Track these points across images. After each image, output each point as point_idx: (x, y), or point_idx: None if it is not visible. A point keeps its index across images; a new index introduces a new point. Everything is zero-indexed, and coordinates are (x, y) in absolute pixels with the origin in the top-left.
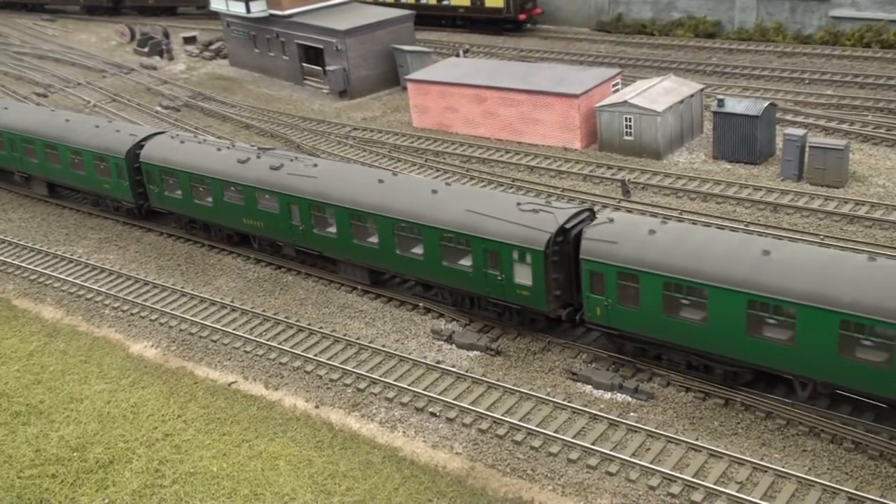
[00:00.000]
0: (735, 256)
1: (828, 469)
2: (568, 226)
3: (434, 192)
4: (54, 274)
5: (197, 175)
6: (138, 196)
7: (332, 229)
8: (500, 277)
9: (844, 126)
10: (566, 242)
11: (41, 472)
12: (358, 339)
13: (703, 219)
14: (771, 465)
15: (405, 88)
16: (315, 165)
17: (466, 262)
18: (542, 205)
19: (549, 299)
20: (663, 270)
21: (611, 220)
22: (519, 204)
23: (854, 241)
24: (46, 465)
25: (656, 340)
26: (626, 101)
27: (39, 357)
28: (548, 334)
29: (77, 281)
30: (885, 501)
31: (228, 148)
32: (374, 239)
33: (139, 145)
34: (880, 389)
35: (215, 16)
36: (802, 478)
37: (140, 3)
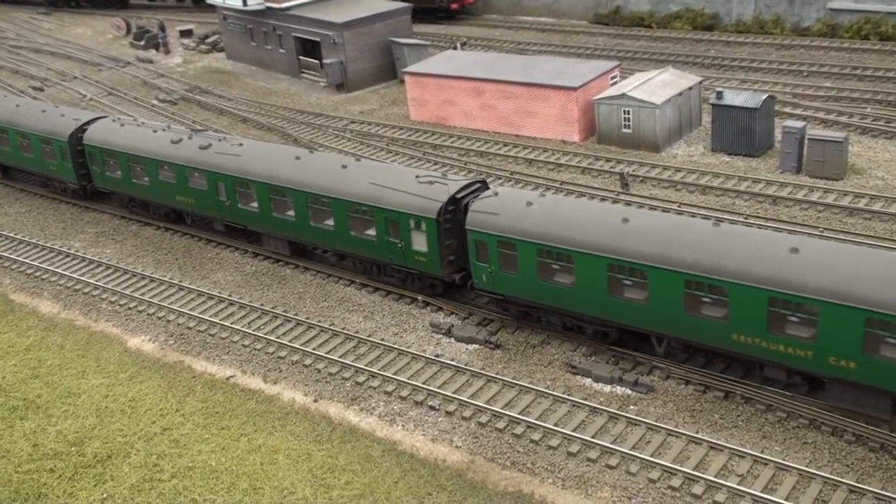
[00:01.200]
0: (597, 224)
1: (828, 461)
2: (459, 196)
3: (344, 167)
4: (51, 268)
5: (134, 156)
6: (82, 177)
7: (255, 204)
8: (400, 245)
9: (843, 118)
10: (458, 211)
11: (39, 466)
12: (356, 332)
13: (702, 211)
14: (771, 458)
15: (403, 81)
16: (240, 145)
17: (371, 231)
18: (438, 177)
19: (444, 264)
20: (537, 238)
21: (496, 194)
22: (418, 177)
23: (853, 233)
24: (44, 459)
25: (535, 303)
26: (624, 94)
27: (37, 352)
28: (546, 329)
29: (74, 275)
30: (886, 494)
31: (164, 130)
32: (291, 212)
33: (82, 129)
34: (720, 343)
35: (212, 9)
36: (803, 470)
37: None
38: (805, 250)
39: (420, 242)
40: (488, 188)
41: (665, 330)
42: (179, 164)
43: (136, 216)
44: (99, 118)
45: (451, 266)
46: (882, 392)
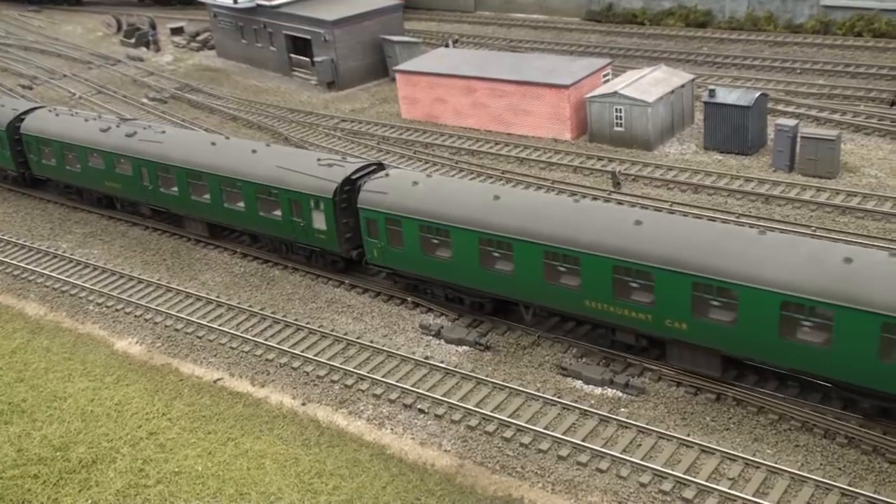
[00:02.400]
0: (472, 202)
1: (821, 464)
2: (354, 177)
3: (254, 151)
4: (38, 269)
5: (67, 144)
6: (20, 165)
7: (175, 188)
8: (302, 224)
9: (836, 116)
10: (353, 191)
11: (23, 472)
12: (345, 334)
13: (694, 211)
14: (763, 461)
15: (394, 79)
16: (163, 132)
17: (277, 212)
18: (338, 160)
19: (341, 241)
20: (419, 215)
21: (387, 175)
22: (319, 160)
23: (846, 232)
24: (29, 465)
25: (420, 276)
26: (616, 92)
27: (22, 354)
28: (536, 329)
29: (61, 276)
30: (879, 497)
31: (94, 119)
32: (207, 196)
33: (20, 118)
34: (576, 309)
35: (202, 6)
36: (795, 473)
37: None
38: (648, 223)
39: (319, 221)
40: (384, 170)
41: (529, 298)
42: (107, 151)
43: (121, 215)
44: (36, 108)
45: (348, 243)
46: (712, 351)
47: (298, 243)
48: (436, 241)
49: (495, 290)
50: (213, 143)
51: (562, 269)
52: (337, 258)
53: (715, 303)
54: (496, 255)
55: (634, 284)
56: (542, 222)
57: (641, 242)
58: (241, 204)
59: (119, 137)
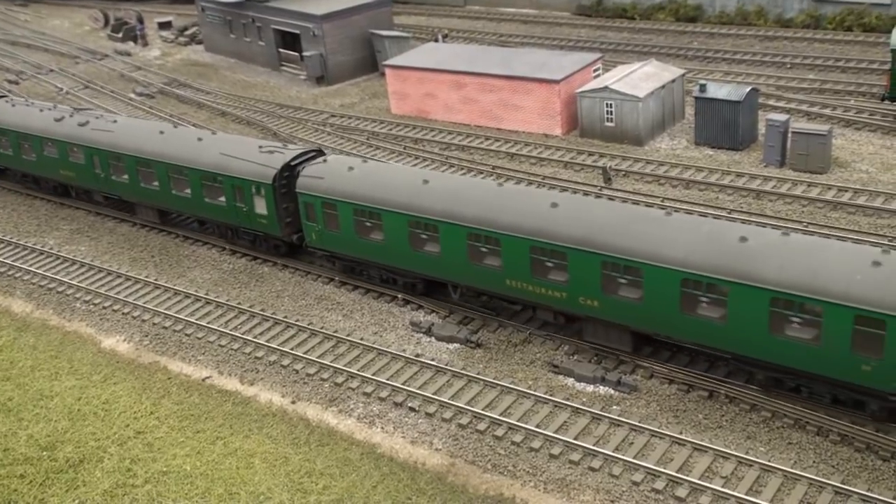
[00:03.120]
0: (402, 186)
1: (814, 462)
2: (294, 163)
3: (200, 139)
4: (24, 266)
5: (22, 133)
6: None
7: (126, 176)
8: (245, 209)
9: (827, 111)
10: (292, 177)
11: (9, 472)
12: (335, 331)
13: (685, 206)
14: (756, 459)
15: (383, 74)
16: (115, 122)
17: (222, 198)
18: (279, 147)
19: (282, 226)
20: (353, 199)
21: (325, 160)
22: (260, 147)
23: (837, 227)
24: (15, 464)
25: (355, 259)
26: (606, 87)
27: (8, 352)
28: (528, 325)
29: (48, 273)
30: (872, 495)
31: (49, 109)
32: (156, 183)
33: None
34: (498, 288)
35: (191, 1)
36: (788, 471)
37: None
38: (563, 205)
39: (261, 206)
40: (324, 156)
41: (456, 279)
42: (61, 140)
43: (107, 211)
44: None
45: (289, 227)
46: (622, 327)
47: (243, 228)
48: (369, 225)
49: (425, 271)
50: (162, 132)
51: (484, 250)
52: (279, 242)
53: (623, 281)
54: (424, 237)
55: (550, 264)
56: (466, 205)
57: (556, 224)
58: (188, 191)
59: (72, 127)
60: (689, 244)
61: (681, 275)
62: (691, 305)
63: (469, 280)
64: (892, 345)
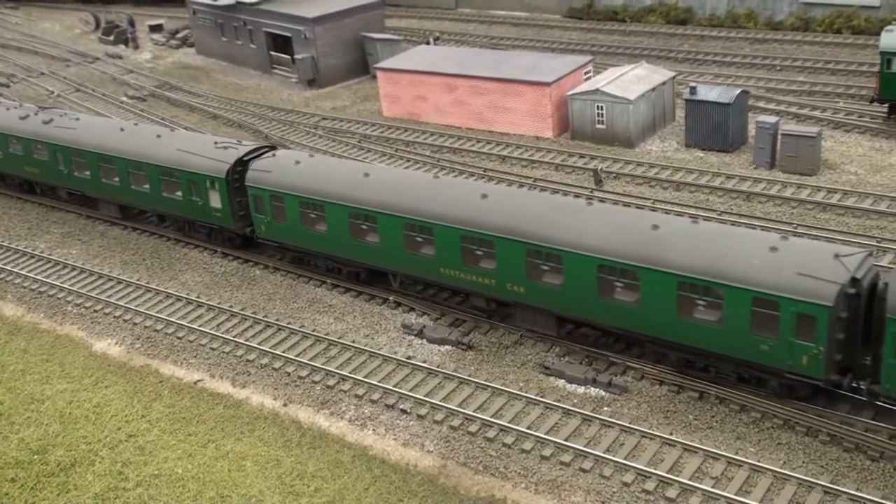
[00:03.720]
0: (344, 179)
1: (803, 462)
2: (246, 159)
3: (158, 136)
4: (15, 270)
5: None
6: None
7: (88, 172)
8: (200, 203)
9: (816, 113)
10: (245, 172)
11: (0, 475)
12: (327, 334)
13: (676, 209)
14: (746, 460)
15: (375, 77)
16: (77, 119)
17: (179, 192)
18: (233, 143)
19: (236, 219)
20: (298, 192)
21: (273, 155)
22: (216, 143)
23: (827, 228)
24: (6, 468)
25: (302, 249)
26: (597, 89)
27: None
28: (519, 328)
29: (39, 277)
30: (861, 495)
31: (15, 108)
32: (117, 178)
33: None
34: (433, 276)
35: (182, 3)
36: (778, 472)
37: None
38: (492, 196)
39: (215, 200)
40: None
41: (395, 267)
42: (25, 137)
43: (102, 216)
44: None
45: (242, 220)
46: (547, 312)
47: (198, 221)
48: (314, 216)
49: (366, 261)
50: (122, 129)
51: (419, 239)
52: (233, 235)
53: (545, 267)
54: (364, 227)
55: (479, 252)
56: (402, 197)
57: (485, 214)
58: (147, 186)
59: (36, 124)
60: (605, 232)
61: (597, 261)
62: (608, 290)
63: (406, 268)
64: (786, 325)
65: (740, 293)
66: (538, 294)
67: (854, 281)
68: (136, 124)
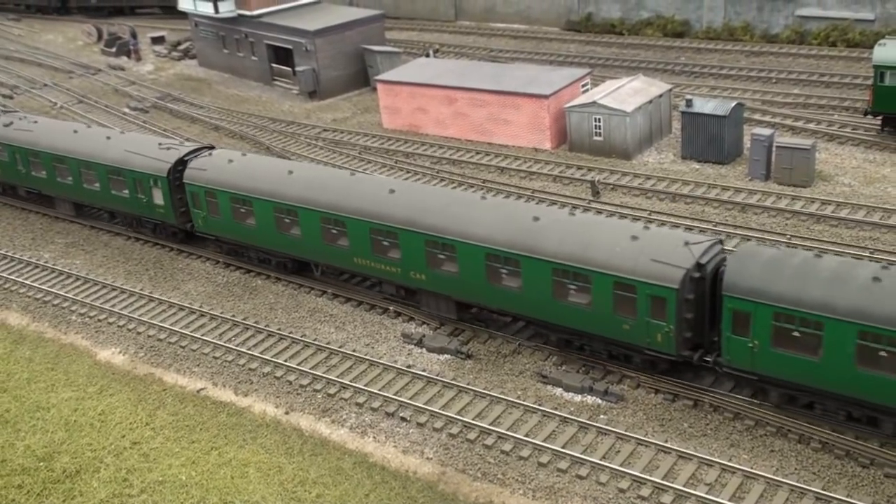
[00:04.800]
0: (270, 177)
1: (795, 469)
2: (187, 158)
3: (108, 138)
4: (20, 280)
5: None
6: None
7: (44, 172)
8: (145, 200)
9: (811, 125)
10: (185, 171)
11: (7, 482)
12: (328, 343)
13: (671, 220)
14: (739, 467)
15: (375, 89)
16: (35, 122)
17: (126, 190)
18: (175, 143)
19: (177, 214)
20: (229, 188)
21: (210, 154)
22: (160, 144)
23: (821, 240)
24: (12, 475)
25: (235, 241)
26: (595, 102)
27: (5, 365)
28: (517, 337)
29: (43, 287)
30: (852, 501)
31: None
32: (70, 178)
33: None
34: (348, 266)
35: (183, 16)
36: (770, 478)
37: (83, 3)
38: (399, 191)
39: (159, 197)
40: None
41: (316, 258)
42: None
43: (103, 225)
44: None
45: (183, 216)
46: (446, 297)
47: (144, 217)
48: (243, 211)
49: (291, 252)
50: (75, 131)
51: (335, 231)
52: (176, 229)
53: (442, 256)
54: (287, 221)
55: (386, 243)
56: (320, 193)
57: (391, 208)
58: (98, 184)
59: None
60: (492, 223)
61: (485, 250)
62: (496, 277)
63: (325, 259)
64: (643, 307)
65: (604, 278)
66: (438, 281)
67: (699, 266)
68: (88, 127)
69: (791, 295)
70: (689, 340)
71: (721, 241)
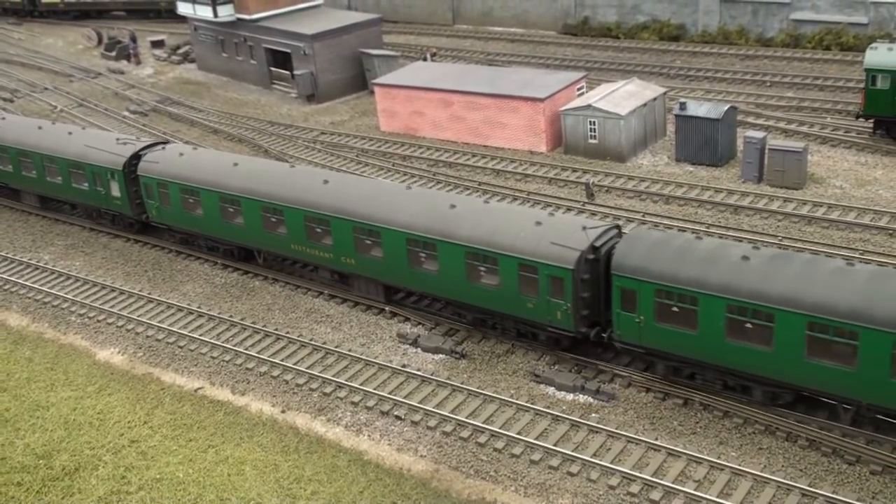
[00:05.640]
0: (216, 169)
1: (782, 466)
2: (142, 153)
3: (70, 133)
4: (20, 281)
5: None
6: None
7: (10, 166)
8: (103, 192)
9: (804, 128)
10: (139, 164)
11: (7, 480)
12: (324, 343)
13: (665, 221)
14: (727, 464)
15: (373, 92)
16: (3, 119)
17: (85, 183)
18: (132, 139)
19: (133, 206)
20: (179, 180)
21: (163, 148)
22: (117, 139)
23: (812, 241)
24: (12, 473)
25: (186, 230)
26: (590, 105)
27: (5, 364)
28: (510, 338)
29: (43, 288)
30: (838, 497)
31: None
32: (34, 172)
33: None
34: (285, 251)
35: (183, 20)
36: (758, 475)
37: (52, 7)
38: (332, 182)
39: (115, 189)
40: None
41: (258, 245)
42: None
43: (104, 228)
44: None
45: (138, 207)
46: (376, 281)
47: (102, 209)
48: (192, 201)
49: (235, 240)
50: (40, 127)
51: (274, 220)
52: (132, 220)
53: (369, 242)
54: (232, 210)
55: (319, 230)
56: (261, 184)
57: (324, 197)
58: (60, 178)
59: None
60: (413, 211)
61: (406, 235)
62: (416, 261)
63: (266, 246)
64: (544, 286)
65: (510, 260)
66: (366, 266)
67: (594, 248)
68: (53, 123)
69: (670, 273)
70: (586, 318)
71: (619, 227)
